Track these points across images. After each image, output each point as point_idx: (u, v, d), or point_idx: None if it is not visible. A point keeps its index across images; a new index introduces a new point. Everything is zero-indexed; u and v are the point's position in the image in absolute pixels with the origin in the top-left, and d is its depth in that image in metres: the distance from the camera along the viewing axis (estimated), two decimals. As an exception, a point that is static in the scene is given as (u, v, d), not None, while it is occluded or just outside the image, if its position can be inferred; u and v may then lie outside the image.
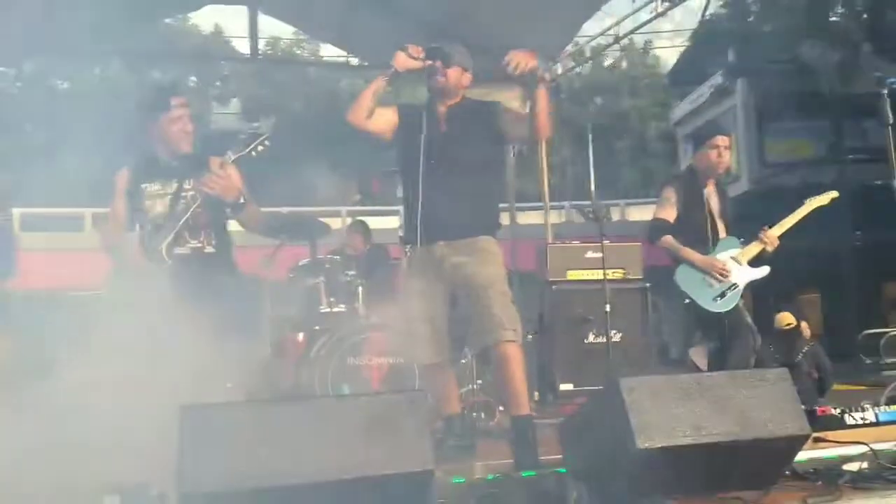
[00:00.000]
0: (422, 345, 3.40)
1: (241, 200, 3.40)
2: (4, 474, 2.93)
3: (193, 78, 23.93)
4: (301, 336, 5.20)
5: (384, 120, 3.44)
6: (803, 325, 6.80)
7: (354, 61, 7.76)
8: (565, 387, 5.65)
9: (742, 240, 4.31)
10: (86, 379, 3.98)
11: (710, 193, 4.37)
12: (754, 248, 4.25)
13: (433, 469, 2.21)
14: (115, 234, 3.47)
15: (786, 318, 6.48)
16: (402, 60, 3.35)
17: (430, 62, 3.37)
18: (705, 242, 4.22)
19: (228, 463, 2.02)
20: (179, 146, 3.48)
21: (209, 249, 3.46)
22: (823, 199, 4.42)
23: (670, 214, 4.27)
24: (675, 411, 2.46)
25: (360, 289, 5.03)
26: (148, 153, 3.54)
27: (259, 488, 2.01)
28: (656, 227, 4.28)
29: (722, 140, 4.32)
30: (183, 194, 3.40)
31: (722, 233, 4.31)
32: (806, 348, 6.42)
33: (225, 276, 3.50)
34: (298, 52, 25.17)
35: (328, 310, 4.89)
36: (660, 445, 2.38)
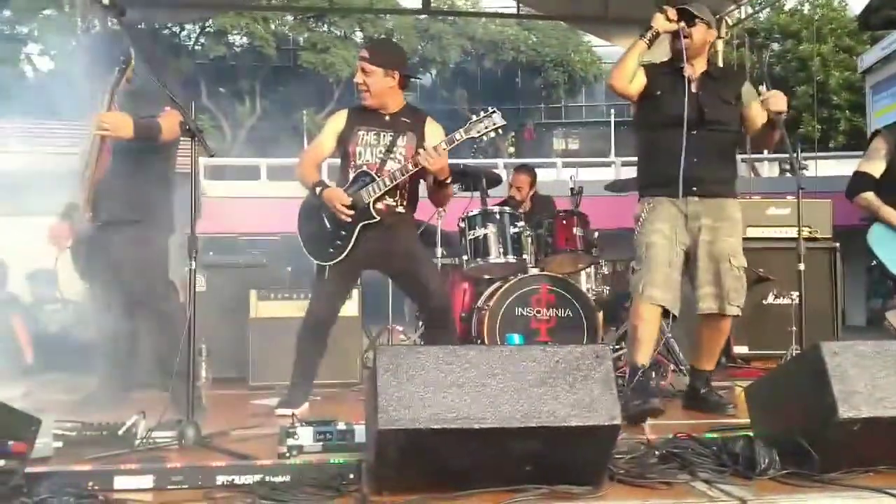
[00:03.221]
0: (656, 284, 3.46)
1: (449, 180, 3.54)
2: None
3: (360, 32, 24.48)
4: (469, 285, 5.27)
5: (639, 81, 3.57)
6: None
7: (524, 11, 7.60)
8: (739, 349, 5.40)
9: None
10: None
11: None
12: None
13: (620, 424, 2.17)
14: (312, 171, 3.65)
15: None
16: (662, 22, 3.47)
17: (682, 23, 3.47)
18: None
19: (419, 402, 2.07)
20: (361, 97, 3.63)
21: (400, 210, 3.63)
22: None
23: (876, 168, 3.92)
24: (884, 380, 2.29)
25: (529, 240, 5.01)
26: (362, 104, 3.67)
27: (449, 429, 2.06)
28: (857, 182, 3.96)
29: None
30: (395, 153, 3.56)
31: None
32: None
33: (408, 231, 3.70)
34: (460, 4, 25.15)
35: (498, 260, 4.90)
36: (865, 416, 2.22)
